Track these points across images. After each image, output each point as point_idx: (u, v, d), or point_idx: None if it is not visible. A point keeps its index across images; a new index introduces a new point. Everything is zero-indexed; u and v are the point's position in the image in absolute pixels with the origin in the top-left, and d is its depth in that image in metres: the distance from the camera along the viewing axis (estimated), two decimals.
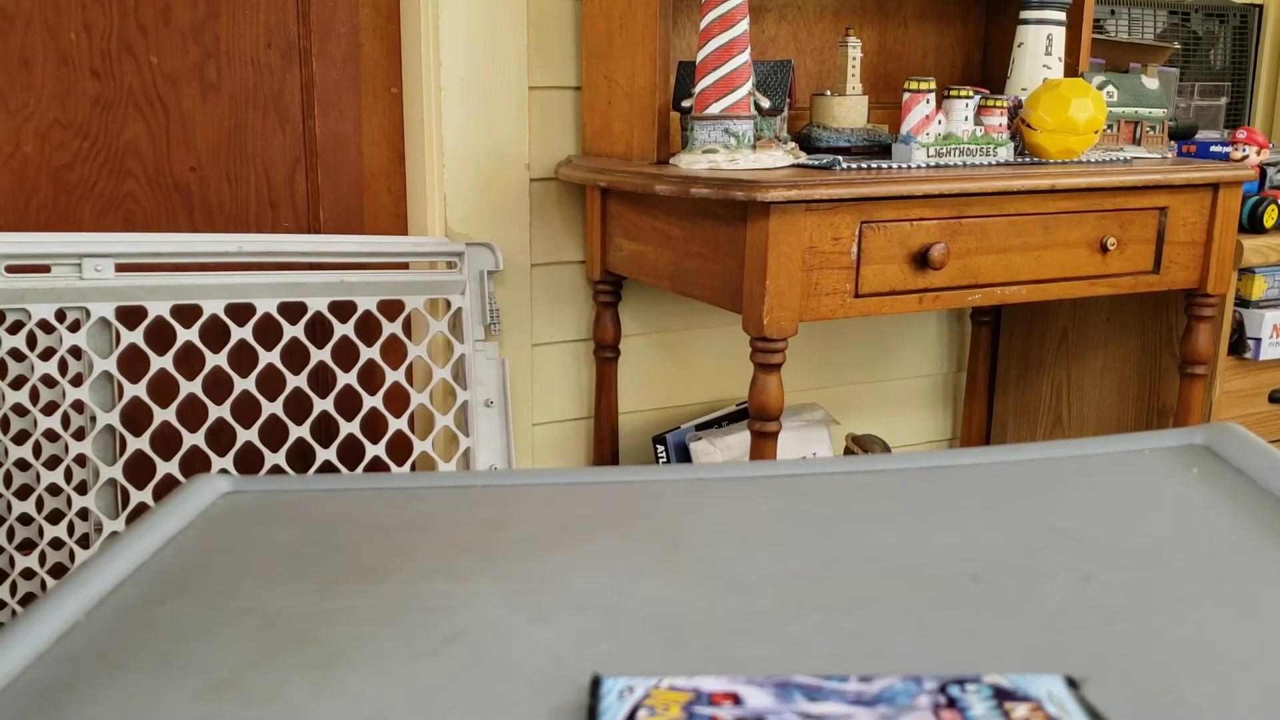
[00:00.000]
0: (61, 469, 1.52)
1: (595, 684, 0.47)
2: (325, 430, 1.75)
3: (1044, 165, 1.60)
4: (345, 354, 1.69)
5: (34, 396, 1.52)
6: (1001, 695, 0.44)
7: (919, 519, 0.65)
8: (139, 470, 1.60)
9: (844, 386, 2.19)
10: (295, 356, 1.67)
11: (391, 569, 0.60)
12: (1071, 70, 1.84)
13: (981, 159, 1.59)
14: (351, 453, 1.73)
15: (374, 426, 1.76)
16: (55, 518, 1.57)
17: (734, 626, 0.53)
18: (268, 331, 1.64)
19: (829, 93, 1.73)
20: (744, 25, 1.46)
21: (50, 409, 1.52)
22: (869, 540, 0.62)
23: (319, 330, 1.71)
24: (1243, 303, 1.80)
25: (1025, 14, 1.77)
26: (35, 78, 1.58)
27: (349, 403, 1.68)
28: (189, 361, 1.60)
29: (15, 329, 1.48)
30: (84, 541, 1.57)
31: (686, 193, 1.42)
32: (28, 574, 1.57)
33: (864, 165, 1.50)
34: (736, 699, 0.45)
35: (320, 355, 1.63)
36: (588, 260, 1.82)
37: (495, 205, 1.77)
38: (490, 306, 1.73)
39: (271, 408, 1.61)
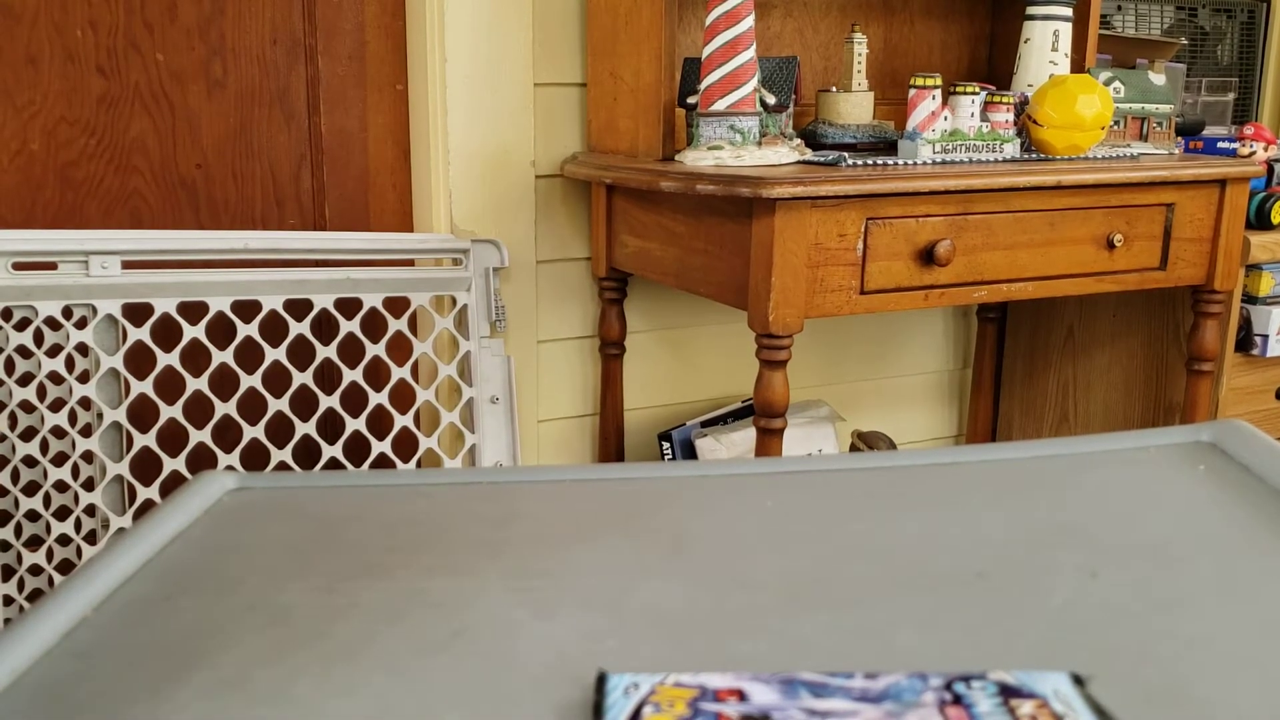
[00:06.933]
0: (68, 465, 1.53)
1: (600, 680, 0.47)
2: (331, 427, 1.75)
3: (1050, 161, 1.60)
4: (351, 351, 1.69)
5: (41, 393, 1.52)
6: (1007, 692, 0.44)
7: (924, 516, 0.65)
8: (146, 467, 1.60)
9: (849, 383, 2.19)
10: (301, 353, 1.67)
11: (397, 565, 0.60)
12: (1078, 66, 1.83)
13: (987, 155, 1.58)
14: (357, 449, 1.73)
15: (380, 423, 1.76)
16: (62, 514, 1.58)
17: (739, 623, 0.53)
18: (274, 328, 1.64)
19: (834, 89, 1.73)
20: (749, 21, 1.46)
21: (57, 406, 1.52)
22: (874, 537, 0.62)
23: (325, 327, 1.71)
24: (1250, 299, 1.80)
25: (1031, 10, 1.76)
26: (42, 75, 1.58)
27: (355, 400, 1.68)
28: (195, 358, 1.60)
29: (22, 326, 1.48)
30: (91, 538, 1.57)
31: (692, 189, 1.42)
32: (35, 570, 1.57)
33: (869, 162, 1.50)
34: (742, 695, 0.45)
35: (326, 352, 1.63)
36: (593, 257, 1.82)
37: (500, 202, 1.77)
38: (496, 303, 1.73)
39: (278, 404, 1.61)
